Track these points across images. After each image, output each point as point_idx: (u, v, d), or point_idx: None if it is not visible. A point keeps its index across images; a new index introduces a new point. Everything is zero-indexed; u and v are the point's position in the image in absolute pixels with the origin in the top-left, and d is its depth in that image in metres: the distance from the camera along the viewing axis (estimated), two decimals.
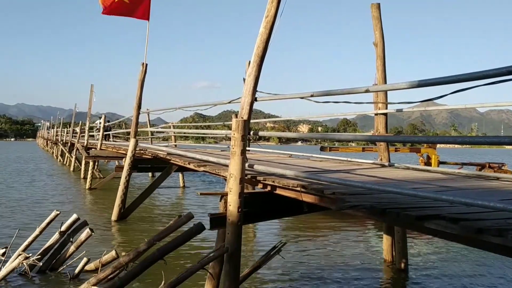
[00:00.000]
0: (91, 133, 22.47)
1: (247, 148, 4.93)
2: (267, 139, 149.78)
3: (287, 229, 9.92)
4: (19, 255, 5.72)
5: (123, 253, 5.85)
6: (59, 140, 35.70)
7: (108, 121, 19.73)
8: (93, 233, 6.21)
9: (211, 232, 4.71)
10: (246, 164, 4.64)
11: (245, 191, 4.49)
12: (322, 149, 12.64)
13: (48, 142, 52.44)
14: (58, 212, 6.22)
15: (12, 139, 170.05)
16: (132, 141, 10.78)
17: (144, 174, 21.29)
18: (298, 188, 4.18)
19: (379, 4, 6.85)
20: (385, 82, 6.83)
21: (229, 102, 7.15)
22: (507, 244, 2.28)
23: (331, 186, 3.96)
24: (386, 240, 7.19)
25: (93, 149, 18.76)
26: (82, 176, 20.45)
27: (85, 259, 6.10)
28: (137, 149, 10.90)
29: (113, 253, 5.94)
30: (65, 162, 30.77)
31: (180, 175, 18.38)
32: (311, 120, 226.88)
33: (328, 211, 4.77)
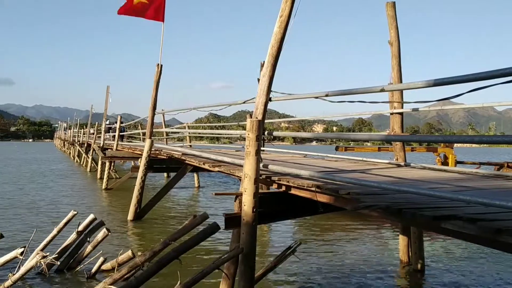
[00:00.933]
0: (99, 135, 22.63)
1: (262, 148, 4.93)
2: (281, 139, 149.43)
3: (302, 229, 9.90)
4: (37, 254, 5.80)
5: (139, 253, 5.90)
6: (76, 141, 36.19)
7: (122, 122, 19.90)
8: (109, 233, 6.29)
9: (226, 233, 4.72)
10: (261, 164, 4.64)
11: (260, 191, 4.48)
12: (337, 148, 12.57)
13: (65, 142, 53.14)
14: (76, 212, 6.31)
15: (30, 140, 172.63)
16: (147, 142, 10.87)
17: (159, 174, 21.42)
18: (313, 188, 4.16)
19: (394, 2, 6.79)
20: (401, 81, 6.77)
21: (244, 102, 7.16)
22: None
23: (346, 186, 3.94)
24: (402, 241, 7.11)
25: (109, 150, 18.98)
26: (98, 176, 20.69)
27: (101, 259, 6.17)
28: (152, 149, 10.99)
29: (129, 252, 5.99)
30: (82, 163, 31.12)
31: (195, 175, 18.44)
32: (326, 120, 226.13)
33: (343, 211, 4.74)
